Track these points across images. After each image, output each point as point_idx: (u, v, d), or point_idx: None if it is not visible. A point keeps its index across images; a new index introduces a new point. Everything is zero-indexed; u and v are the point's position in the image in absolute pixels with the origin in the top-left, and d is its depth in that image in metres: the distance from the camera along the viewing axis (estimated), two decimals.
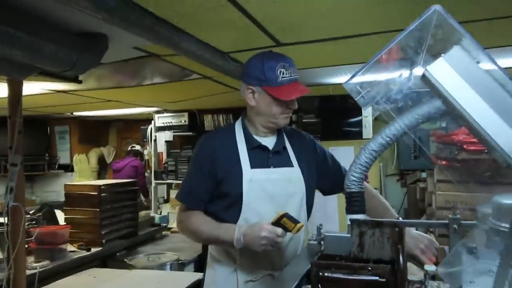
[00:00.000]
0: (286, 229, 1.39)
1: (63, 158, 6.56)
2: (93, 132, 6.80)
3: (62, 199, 3.49)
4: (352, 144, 4.02)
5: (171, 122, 5.51)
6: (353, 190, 1.41)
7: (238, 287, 1.52)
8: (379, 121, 4.08)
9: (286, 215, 1.39)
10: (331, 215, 3.88)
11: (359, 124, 4.20)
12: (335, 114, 4.39)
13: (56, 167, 6.42)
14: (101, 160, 6.69)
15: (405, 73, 1.41)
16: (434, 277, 1.18)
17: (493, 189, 1.48)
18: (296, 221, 1.39)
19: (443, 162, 3.04)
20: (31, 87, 3.14)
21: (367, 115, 4.07)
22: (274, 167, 1.55)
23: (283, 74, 1.46)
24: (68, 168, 6.54)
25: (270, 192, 1.51)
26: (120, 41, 2.04)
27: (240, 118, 1.62)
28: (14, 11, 1.58)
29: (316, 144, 1.72)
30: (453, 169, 2.78)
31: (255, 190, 1.49)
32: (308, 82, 3.41)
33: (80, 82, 2.68)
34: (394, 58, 1.40)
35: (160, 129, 5.58)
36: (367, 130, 4.10)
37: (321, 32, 1.80)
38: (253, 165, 1.51)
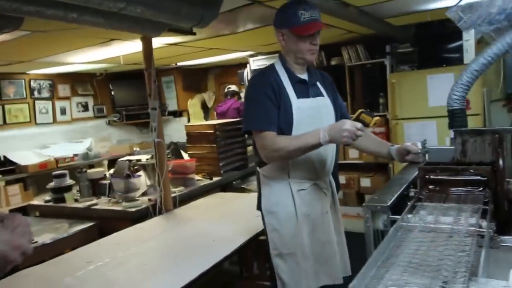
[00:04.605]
0: (364, 123, 1.62)
1: (171, 105, 7.32)
2: (194, 80, 7.41)
3: (175, 140, 4.10)
4: (452, 71, 3.91)
5: (265, 64, 5.80)
6: (456, 107, 1.57)
7: (293, 195, 1.82)
8: (482, 44, 3.90)
9: (363, 112, 1.63)
10: (429, 142, 3.94)
11: (460, 49, 4.05)
12: (433, 41, 4.27)
13: (166, 113, 7.19)
14: (203, 105, 7.33)
15: None
16: None
17: None
18: (373, 116, 1.63)
19: None
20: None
21: (469, 39, 3.91)
22: (312, 97, 1.85)
23: (304, 15, 1.74)
24: (176, 114, 7.30)
25: (311, 116, 1.80)
26: None
27: (277, 60, 1.89)
28: None
29: (333, 83, 2.04)
30: None
31: (301, 115, 1.78)
32: (403, 11, 3.39)
33: (194, 34, 3.04)
34: None
35: (255, 72, 5.92)
36: (469, 54, 3.93)
37: None
38: (298, 96, 1.80)
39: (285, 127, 1.78)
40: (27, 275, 1.92)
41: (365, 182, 4.60)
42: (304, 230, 1.83)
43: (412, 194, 1.42)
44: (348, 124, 1.59)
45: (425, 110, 4.10)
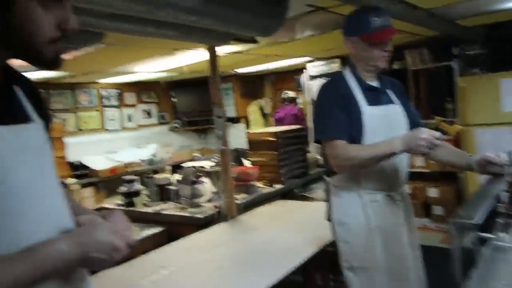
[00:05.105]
0: (443, 132, 1.53)
1: (229, 112, 7.45)
2: (251, 87, 7.50)
3: (233, 146, 4.19)
4: None
5: (323, 70, 5.73)
6: None
7: (364, 206, 1.77)
8: None
9: (443, 120, 1.53)
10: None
11: None
12: (506, 42, 3.99)
13: (225, 120, 7.32)
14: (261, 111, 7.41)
15: None
16: None
17: None
18: (452, 124, 1.53)
19: None
20: None
21: None
22: (383, 104, 1.80)
23: (375, 21, 1.71)
24: (234, 120, 7.43)
25: (383, 124, 1.75)
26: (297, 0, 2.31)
27: (346, 67, 1.87)
28: None
29: (404, 89, 1.99)
30: None
31: (372, 123, 1.73)
32: (476, 11, 3.21)
33: (256, 42, 3.08)
34: None
35: (313, 77, 5.86)
36: None
37: None
38: (369, 103, 1.76)
39: (356, 136, 1.74)
40: (103, 278, 2.01)
41: (433, 192, 4.36)
42: (376, 243, 1.77)
43: (502, 210, 1.32)
44: (426, 133, 1.54)
45: (499, 116, 3.83)
